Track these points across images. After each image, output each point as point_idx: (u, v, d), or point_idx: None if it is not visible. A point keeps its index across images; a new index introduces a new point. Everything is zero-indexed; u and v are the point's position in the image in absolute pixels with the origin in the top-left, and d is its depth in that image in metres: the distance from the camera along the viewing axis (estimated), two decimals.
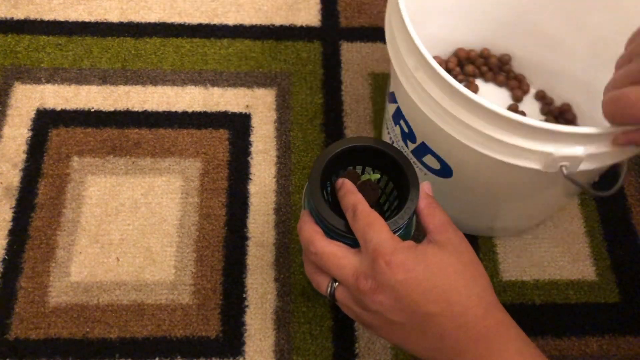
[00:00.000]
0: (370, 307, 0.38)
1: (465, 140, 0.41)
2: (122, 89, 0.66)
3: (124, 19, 0.70)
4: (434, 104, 0.42)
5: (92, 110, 0.64)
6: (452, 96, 0.40)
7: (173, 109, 0.65)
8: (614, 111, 0.38)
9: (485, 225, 0.58)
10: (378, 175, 0.46)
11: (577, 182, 0.41)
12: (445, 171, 0.49)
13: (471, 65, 0.65)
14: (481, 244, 0.59)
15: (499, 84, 0.66)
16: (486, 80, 0.66)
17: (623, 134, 0.39)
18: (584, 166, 0.40)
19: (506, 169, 0.42)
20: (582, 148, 0.39)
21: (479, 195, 0.51)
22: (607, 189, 0.42)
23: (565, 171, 0.40)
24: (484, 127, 0.40)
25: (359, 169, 0.47)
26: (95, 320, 0.54)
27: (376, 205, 0.47)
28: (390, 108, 0.52)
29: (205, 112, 0.65)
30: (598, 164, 0.41)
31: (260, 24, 0.71)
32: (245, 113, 0.65)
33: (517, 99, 0.65)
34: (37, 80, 0.66)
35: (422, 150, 0.49)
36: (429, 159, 0.50)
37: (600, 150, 0.39)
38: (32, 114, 0.64)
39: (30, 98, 0.65)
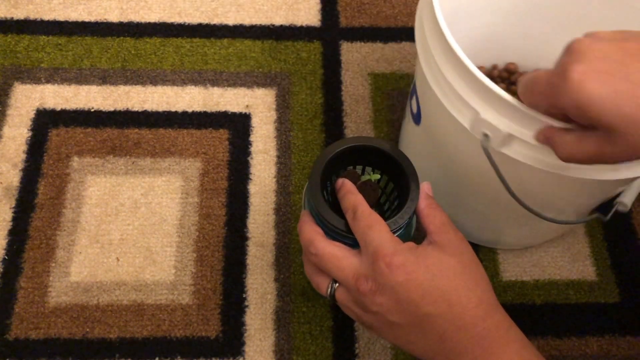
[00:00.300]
0: (370, 308, 0.38)
1: (426, 71, 0.43)
2: (122, 89, 0.66)
3: (124, 19, 0.70)
4: (421, 30, 0.44)
5: (92, 110, 0.64)
6: (432, 22, 0.42)
7: (173, 109, 0.65)
8: (523, 88, 0.37)
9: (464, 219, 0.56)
10: (378, 176, 0.46)
11: (493, 161, 0.40)
12: (418, 115, 0.50)
13: None
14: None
15: None
16: None
17: (543, 129, 0.36)
18: (507, 151, 0.40)
19: (453, 127, 0.43)
20: (507, 122, 0.38)
21: (445, 161, 0.51)
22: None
23: (485, 142, 0.40)
24: (441, 61, 0.41)
25: (359, 169, 0.47)
26: (95, 320, 0.54)
27: (376, 205, 0.47)
28: None
29: (205, 112, 0.65)
30: (522, 158, 0.39)
31: (260, 24, 0.71)
32: (245, 113, 0.65)
33: None
34: (37, 80, 0.66)
35: (413, 90, 0.51)
36: (413, 101, 0.51)
37: (525, 137, 0.38)
38: (32, 114, 0.64)
39: (30, 98, 0.65)
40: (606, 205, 0.47)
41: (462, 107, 0.41)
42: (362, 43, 0.71)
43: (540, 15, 0.58)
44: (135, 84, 0.66)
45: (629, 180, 0.43)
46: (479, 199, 0.52)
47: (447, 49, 0.40)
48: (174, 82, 0.67)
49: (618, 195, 0.45)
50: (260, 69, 0.68)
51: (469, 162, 0.47)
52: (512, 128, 0.38)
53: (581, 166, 0.39)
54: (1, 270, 0.56)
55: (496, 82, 0.60)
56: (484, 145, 0.40)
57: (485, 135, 0.40)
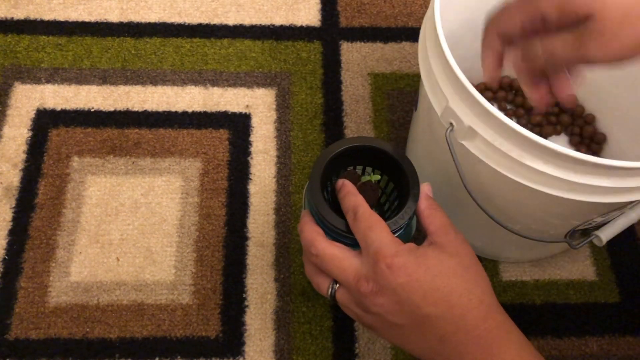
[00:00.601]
0: (371, 309, 0.38)
1: (420, 56, 0.45)
2: (122, 89, 0.66)
3: (124, 19, 0.70)
4: (425, 22, 0.47)
5: (92, 110, 0.64)
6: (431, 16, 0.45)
7: (173, 109, 0.65)
8: (498, 9, 0.39)
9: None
10: (378, 177, 0.46)
11: (452, 150, 0.41)
12: (417, 100, 0.53)
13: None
14: None
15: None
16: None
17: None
18: (468, 144, 0.41)
19: (434, 114, 0.44)
20: (470, 116, 0.40)
21: (432, 150, 0.52)
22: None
23: (448, 132, 0.41)
24: (431, 48, 0.43)
25: (359, 169, 0.47)
26: (95, 320, 0.54)
27: (376, 205, 0.47)
28: None
29: (205, 112, 0.65)
30: (480, 154, 0.40)
31: (260, 24, 0.71)
32: (245, 113, 0.65)
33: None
34: (37, 80, 0.66)
35: None
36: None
37: (484, 134, 0.39)
38: (32, 114, 0.64)
39: (30, 98, 0.65)
40: (583, 233, 0.47)
41: (440, 95, 0.42)
42: (362, 43, 0.71)
43: None
44: (135, 84, 0.66)
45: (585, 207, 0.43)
46: (461, 201, 0.52)
47: (435, 38, 0.42)
48: (174, 82, 0.67)
49: (599, 227, 0.45)
50: (260, 69, 0.68)
51: (443, 156, 0.48)
52: (474, 122, 0.40)
53: (528, 173, 0.40)
54: (1, 270, 0.56)
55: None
56: (447, 135, 0.41)
57: (451, 125, 0.41)
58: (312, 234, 0.41)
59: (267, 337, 0.54)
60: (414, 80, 0.68)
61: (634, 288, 0.58)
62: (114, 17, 0.70)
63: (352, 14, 0.73)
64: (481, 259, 0.58)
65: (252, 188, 0.61)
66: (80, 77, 0.66)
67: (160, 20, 0.71)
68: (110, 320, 0.54)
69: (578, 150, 0.61)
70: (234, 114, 0.65)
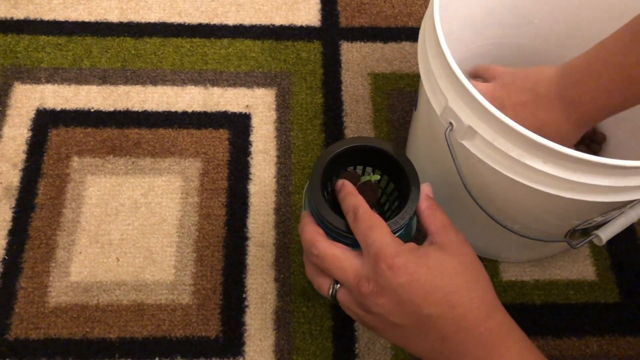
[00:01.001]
0: (372, 310, 0.38)
1: (420, 56, 0.46)
2: (122, 89, 0.66)
3: (124, 19, 0.70)
4: (424, 22, 0.48)
5: (92, 110, 0.64)
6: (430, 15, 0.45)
7: (173, 109, 0.65)
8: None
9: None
10: (378, 177, 0.46)
11: (453, 152, 0.41)
12: (416, 100, 0.53)
13: None
14: None
15: None
16: None
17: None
18: (468, 144, 0.41)
19: (433, 114, 0.44)
20: (469, 115, 0.40)
21: (432, 150, 0.52)
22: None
23: (447, 131, 0.41)
24: (430, 48, 0.44)
25: (359, 169, 0.47)
26: (95, 320, 0.54)
27: (376, 205, 0.47)
28: None
29: (205, 112, 0.65)
30: (480, 153, 0.40)
31: (260, 24, 0.71)
32: (245, 113, 0.65)
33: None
34: (37, 80, 0.66)
35: None
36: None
37: (483, 133, 0.39)
38: (32, 114, 0.64)
39: (30, 98, 0.65)
40: (583, 233, 0.47)
41: (440, 95, 0.42)
42: (362, 43, 0.71)
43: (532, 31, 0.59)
44: (135, 84, 0.66)
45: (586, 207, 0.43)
46: (460, 201, 0.52)
47: (435, 38, 0.42)
48: (174, 82, 0.67)
49: (599, 226, 0.45)
50: (260, 69, 0.68)
51: (443, 156, 0.48)
52: (474, 121, 0.40)
53: (528, 173, 0.40)
54: (1, 270, 0.56)
55: None
56: (447, 134, 0.41)
57: (451, 124, 0.41)
58: (312, 234, 0.41)
59: (267, 337, 0.54)
60: (414, 80, 0.68)
61: (634, 288, 0.58)
62: (114, 17, 0.70)
63: (352, 14, 0.73)
64: (481, 259, 0.58)
65: (252, 188, 0.61)
66: (80, 77, 0.66)
67: (160, 20, 0.71)
68: (110, 320, 0.54)
69: (578, 150, 0.61)
70: (234, 114, 0.65)
